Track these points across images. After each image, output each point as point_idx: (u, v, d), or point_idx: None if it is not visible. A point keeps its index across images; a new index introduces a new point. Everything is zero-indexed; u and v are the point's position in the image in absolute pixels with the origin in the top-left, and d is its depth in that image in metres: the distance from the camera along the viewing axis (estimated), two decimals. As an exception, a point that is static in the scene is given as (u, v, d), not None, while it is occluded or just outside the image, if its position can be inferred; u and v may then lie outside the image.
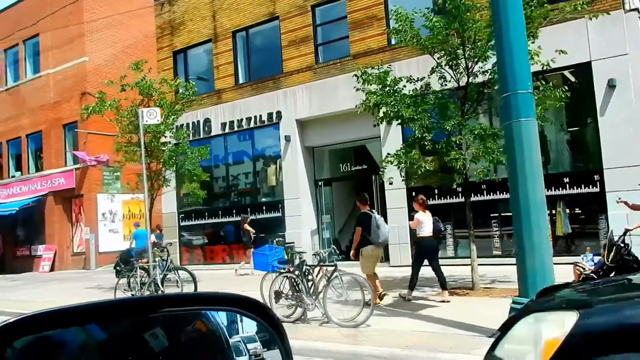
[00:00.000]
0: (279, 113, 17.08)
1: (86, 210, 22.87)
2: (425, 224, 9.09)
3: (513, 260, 12.61)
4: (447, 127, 8.89)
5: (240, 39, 18.53)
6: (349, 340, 6.25)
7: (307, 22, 16.71)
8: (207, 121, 18.57)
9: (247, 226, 15.27)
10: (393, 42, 15.07)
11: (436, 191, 14.13)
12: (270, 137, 17.50)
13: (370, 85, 10.06)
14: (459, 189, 13.61)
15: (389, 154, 9.78)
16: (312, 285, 7.57)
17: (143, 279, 10.33)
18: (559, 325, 2.54)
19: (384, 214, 14.93)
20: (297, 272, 7.67)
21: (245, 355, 1.08)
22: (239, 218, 17.79)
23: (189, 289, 9.85)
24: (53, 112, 24.02)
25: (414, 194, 14.29)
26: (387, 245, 14.29)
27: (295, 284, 7.70)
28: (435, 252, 9.38)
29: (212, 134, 18.44)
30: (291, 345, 4.83)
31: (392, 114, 9.36)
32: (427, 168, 9.17)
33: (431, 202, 14.15)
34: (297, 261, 7.93)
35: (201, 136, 18.55)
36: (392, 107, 9.22)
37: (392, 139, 14.77)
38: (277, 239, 16.18)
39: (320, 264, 7.66)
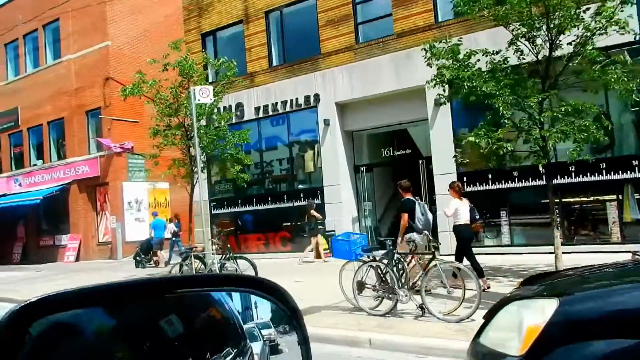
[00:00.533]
0: (316, 96, 16.40)
1: (111, 198, 22.33)
2: (462, 211, 8.78)
3: (575, 248, 12.05)
4: (531, 104, 8.20)
5: (274, 19, 17.80)
6: (462, 336, 5.62)
7: (347, 0, 15.96)
8: (239, 105, 17.89)
9: (313, 212, 14.62)
10: (441, 18, 14.40)
11: (490, 176, 13.46)
12: (307, 121, 16.82)
13: (439, 59, 9.34)
14: (515, 174, 13.04)
15: (465, 133, 9.05)
16: (402, 275, 6.94)
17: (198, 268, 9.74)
18: (539, 312, 2.63)
19: (431, 201, 14.35)
20: (385, 261, 7.05)
21: (260, 340, 1.06)
22: (274, 205, 17.27)
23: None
24: (75, 98, 23.41)
25: (465, 179, 13.73)
26: (437, 234, 13.74)
27: (382, 273, 7.08)
28: (470, 241, 9.02)
29: (245, 118, 17.76)
30: (393, 341, 5.52)
31: (468, 89, 8.64)
32: (509, 148, 8.48)
33: (484, 187, 13.58)
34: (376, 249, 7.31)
35: (233, 121, 17.83)
36: (469, 81, 8.51)
37: (440, 122, 14.10)
38: (317, 228, 15.71)
39: (413, 251, 7.03)
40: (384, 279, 7.09)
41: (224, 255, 9.77)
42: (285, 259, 15.67)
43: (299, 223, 16.54)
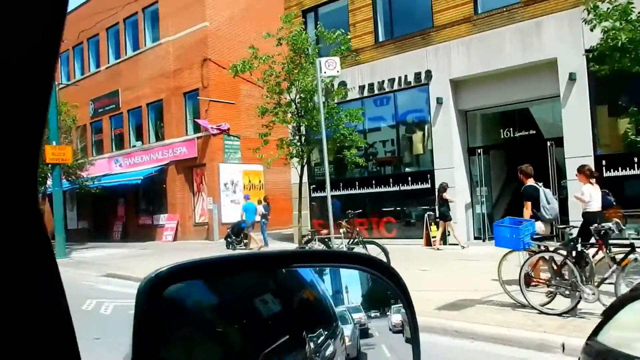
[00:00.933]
0: (428, 73, 15.30)
1: (208, 180, 22.38)
2: (594, 197, 7.82)
3: None
4: None
5: (381, -8, 16.82)
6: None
7: (465, -33, 14.69)
8: (342, 84, 17.06)
9: (446, 195, 13.60)
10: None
11: (635, 160, 11.88)
12: (417, 100, 15.79)
13: (601, 22, 8.07)
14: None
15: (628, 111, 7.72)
16: (585, 269, 5.87)
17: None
18: None
19: (560, 187, 13.01)
20: (564, 252, 6.01)
21: (351, 323, 1.06)
22: (378, 189, 16.45)
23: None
24: (173, 80, 23.61)
25: (604, 162, 12.27)
26: (568, 223, 12.39)
27: (559, 266, 6.05)
28: None
29: (348, 97, 16.91)
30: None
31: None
32: None
33: (628, 172, 12.03)
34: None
35: (335, 101, 17.09)
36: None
37: (575, 99, 12.61)
38: (427, 214, 14.75)
39: (600, 242, 5.95)
40: (559, 272, 6.05)
41: (353, 240, 9.04)
42: (390, 245, 14.79)
43: (404, 208, 15.62)
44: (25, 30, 0.46)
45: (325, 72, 9.46)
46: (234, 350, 0.90)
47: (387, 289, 1.06)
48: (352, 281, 1.07)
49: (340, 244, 9.05)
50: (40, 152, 0.51)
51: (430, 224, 14.48)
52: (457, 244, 13.55)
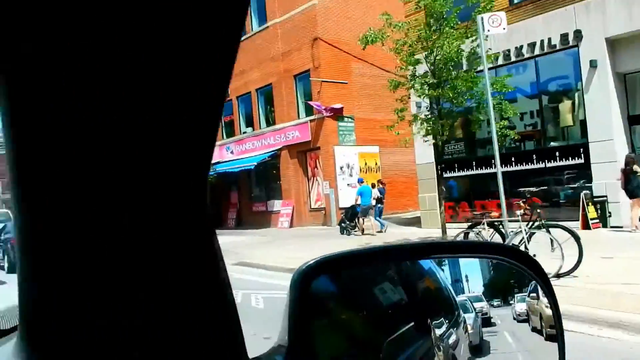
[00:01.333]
0: (577, 33, 13.42)
1: (324, 164, 21.72)
2: None
3: None
4: None
5: (516, -55, 15.06)
6: None
7: None
8: (473, 54, 15.52)
9: (637, 167, 11.73)
10: None
11: None
12: (563, 64, 13.99)
13: None
14: None
15: None
16: None
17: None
18: None
19: None
20: None
21: (472, 312, 1.03)
22: (519, 167, 14.90)
23: (571, 253, 7.11)
24: (283, 63, 23.12)
25: None
26: None
27: None
28: None
29: (480, 67, 15.37)
30: None
31: None
32: None
33: None
34: None
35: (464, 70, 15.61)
36: None
37: None
38: (584, 192, 13.02)
39: None
40: None
41: (532, 223, 7.77)
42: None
43: (551, 187, 13.97)
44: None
45: (489, 31, 8.23)
46: (362, 337, 0.90)
47: (510, 277, 1.02)
48: (472, 270, 1.03)
49: (518, 228, 7.78)
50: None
51: (588, 204, 12.75)
52: (621, 227, 11.78)
